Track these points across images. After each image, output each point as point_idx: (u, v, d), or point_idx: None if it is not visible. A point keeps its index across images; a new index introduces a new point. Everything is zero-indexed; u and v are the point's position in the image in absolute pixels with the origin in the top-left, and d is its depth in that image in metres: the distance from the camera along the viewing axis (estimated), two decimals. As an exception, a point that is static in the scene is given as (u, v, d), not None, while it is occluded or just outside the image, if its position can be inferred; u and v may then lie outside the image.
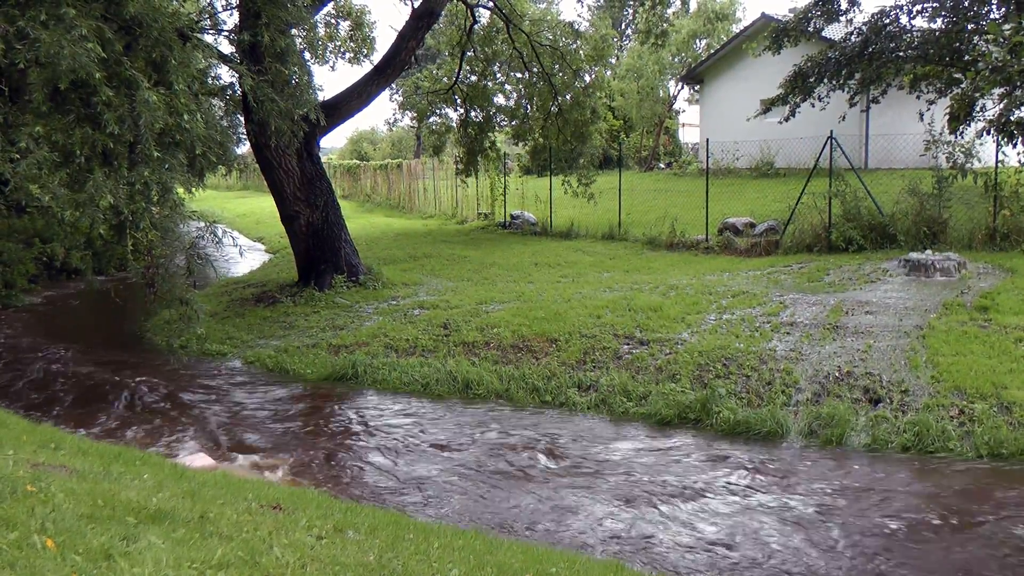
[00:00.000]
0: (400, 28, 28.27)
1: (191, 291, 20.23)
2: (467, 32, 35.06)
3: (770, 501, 11.54)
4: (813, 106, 29.20)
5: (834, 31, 34.34)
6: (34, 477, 7.22)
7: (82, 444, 11.22)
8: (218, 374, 19.70)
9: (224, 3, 22.99)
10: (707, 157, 36.57)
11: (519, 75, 38.64)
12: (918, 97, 28.37)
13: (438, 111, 42.14)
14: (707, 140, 38.72)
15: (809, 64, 29.53)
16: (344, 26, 34.79)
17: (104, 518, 6.36)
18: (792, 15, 30.83)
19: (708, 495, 11.82)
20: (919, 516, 10.93)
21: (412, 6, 29.72)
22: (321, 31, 32.27)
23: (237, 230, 48.11)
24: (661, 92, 62.86)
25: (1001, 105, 23.28)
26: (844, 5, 29.73)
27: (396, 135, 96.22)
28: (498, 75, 39.79)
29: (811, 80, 29.39)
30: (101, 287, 29.75)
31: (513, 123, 40.53)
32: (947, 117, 25.86)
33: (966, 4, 26.87)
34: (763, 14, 46.49)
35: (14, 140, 14.51)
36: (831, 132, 27.90)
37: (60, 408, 16.92)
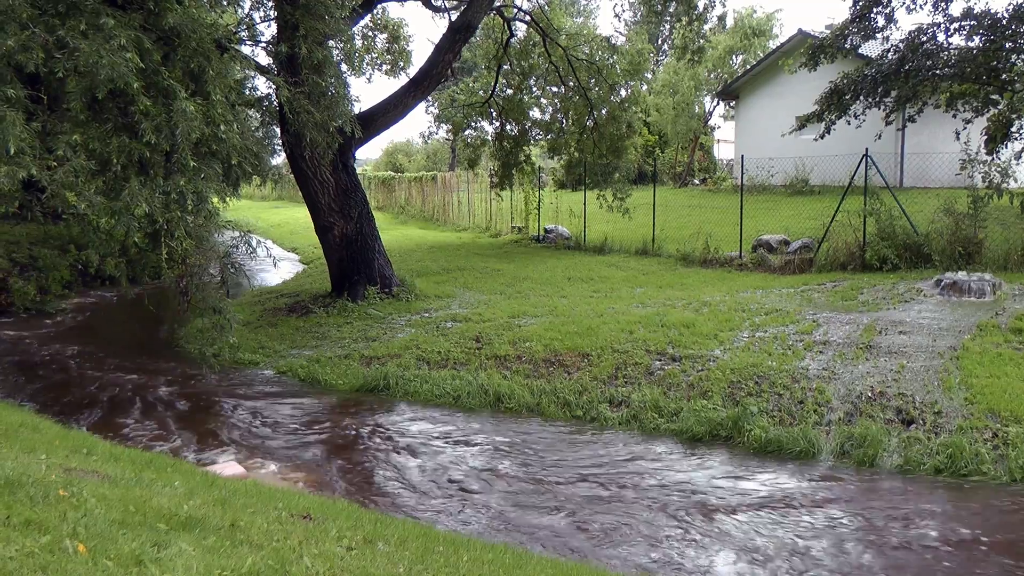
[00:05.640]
0: (437, 41, 28.34)
1: (225, 300, 20.22)
2: (503, 46, 35.15)
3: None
4: (849, 123, 29.03)
5: (871, 48, 34.21)
6: (66, 482, 7.25)
7: (114, 450, 11.27)
8: (250, 383, 19.74)
9: (262, 15, 23.07)
10: (742, 173, 36.53)
11: (555, 89, 38.73)
12: (954, 116, 28.21)
13: (474, 124, 42.20)
14: (742, 156, 38.61)
15: (845, 81, 29.36)
16: (381, 38, 34.92)
17: (135, 524, 6.39)
18: (829, 32, 30.74)
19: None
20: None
21: (449, 19, 29.80)
22: (358, 43, 32.35)
23: (271, 240, 48.37)
24: (696, 108, 62.78)
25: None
26: (881, 22, 29.56)
27: (431, 147, 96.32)
28: (534, 89, 39.88)
29: (847, 97, 29.22)
30: (135, 295, 29.85)
31: (548, 137, 40.63)
32: (984, 137, 25.76)
33: (1004, 23, 26.72)
34: (800, 30, 46.40)
35: (52, 148, 14.60)
36: (866, 150, 27.78)
37: (92, 414, 16.99)
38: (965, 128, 27.07)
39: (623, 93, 37.49)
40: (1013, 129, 25.95)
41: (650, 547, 10.77)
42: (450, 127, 46.57)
